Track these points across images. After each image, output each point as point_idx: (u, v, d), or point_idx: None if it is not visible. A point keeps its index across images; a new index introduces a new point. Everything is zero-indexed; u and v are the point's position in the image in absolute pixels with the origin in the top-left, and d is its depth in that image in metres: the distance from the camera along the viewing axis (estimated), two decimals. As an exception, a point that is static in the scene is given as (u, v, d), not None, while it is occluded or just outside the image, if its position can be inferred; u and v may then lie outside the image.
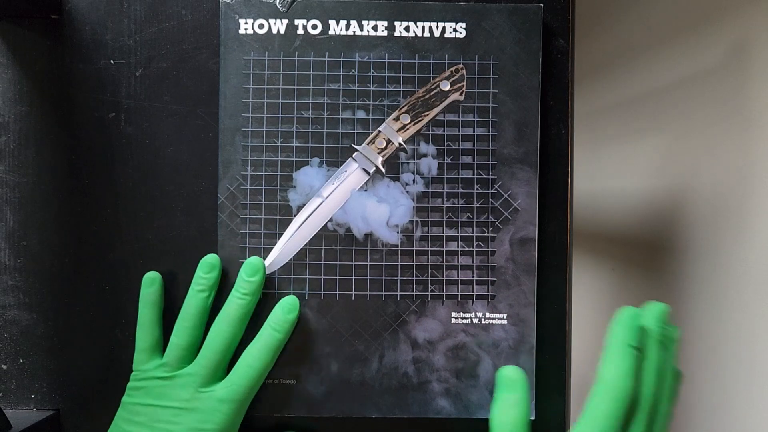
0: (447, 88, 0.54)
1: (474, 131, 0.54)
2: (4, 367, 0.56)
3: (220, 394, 0.50)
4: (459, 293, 0.55)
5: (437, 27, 0.54)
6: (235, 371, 0.51)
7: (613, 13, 1.02)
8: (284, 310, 0.53)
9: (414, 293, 0.55)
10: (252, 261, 0.53)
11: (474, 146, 0.55)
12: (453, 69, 0.54)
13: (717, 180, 0.72)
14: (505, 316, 0.55)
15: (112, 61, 0.56)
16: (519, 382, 0.50)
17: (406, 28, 0.54)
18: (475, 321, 0.55)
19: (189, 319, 0.52)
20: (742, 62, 0.67)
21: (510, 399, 0.49)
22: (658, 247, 0.85)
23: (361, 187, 0.54)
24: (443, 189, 0.55)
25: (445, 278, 0.55)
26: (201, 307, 0.52)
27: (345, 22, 0.54)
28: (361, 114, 0.54)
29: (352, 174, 0.54)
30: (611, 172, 1.01)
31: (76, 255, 0.56)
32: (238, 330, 0.52)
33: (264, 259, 0.54)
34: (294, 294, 0.54)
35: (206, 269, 0.53)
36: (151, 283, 0.54)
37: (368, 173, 0.54)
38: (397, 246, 0.54)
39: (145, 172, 0.56)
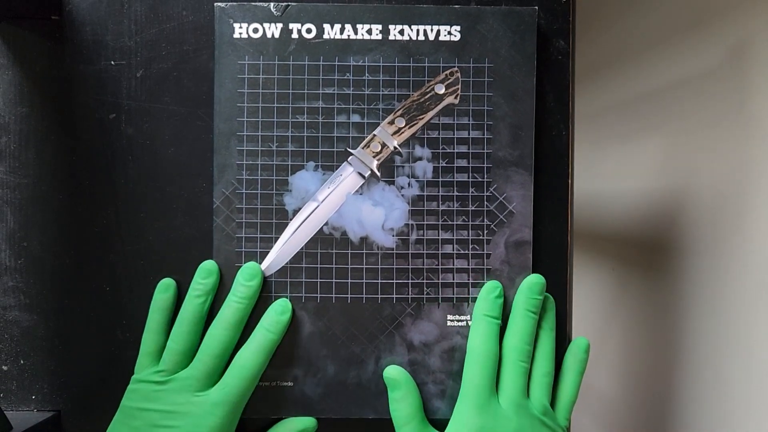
0: (442, 91, 0.54)
1: (469, 134, 0.54)
2: (4, 368, 0.57)
3: (214, 397, 0.50)
4: (454, 296, 0.55)
5: (432, 30, 0.54)
6: (228, 374, 0.52)
7: (612, 14, 1.01)
8: (277, 312, 0.54)
9: (410, 296, 0.55)
10: (249, 266, 0.54)
11: (469, 149, 0.55)
12: (448, 72, 0.54)
13: (717, 180, 0.71)
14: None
15: (112, 62, 0.56)
16: (401, 380, 0.54)
17: (401, 32, 0.54)
18: (471, 323, 0.55)
19: (186, 325, 0.52)
20: (742, 62, 0.66)
21: (397, 395, 0.54)
22: (658, 247, 0.85)
23: (357, 191, 0.54)
24: (438, 192, 0.55)
25: (440, 281, 0.55)
26: (198, 313, 0.53)
27: (339, 26, 0.54)
28: (356, 118, 0.54)
29: (347, 178, 0.54)
30: (611, 172, 1.01)
31: (76, 255, 0.57)
32: (234, 334, 0.52)
33: (260, 263, 0.54)
34: (291, 296, 0.54)
35: (204, 275, 0.53)
36: (165, 289, 0.55)
37: (363, 177, 0.54)
38: (392, 249, 0.55)
39: (145, 173, 0.56)
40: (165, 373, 0.51)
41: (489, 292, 0.54)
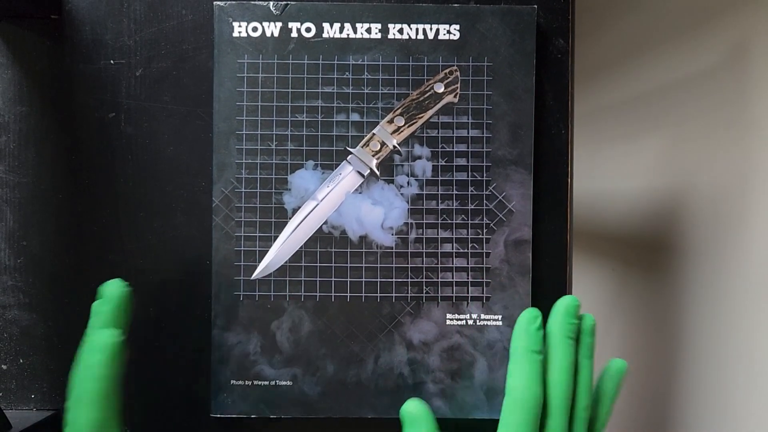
0: (441, 90, 0.54)
1: (468, 133, 0.54)
2: (4, 367, 0.57)
3: None
4: (454, 295, 0.55)
5: (431, 29, 0.54)
6: None
7: (612, 14, 1.01)
8: (91, 351, 0.46)
9: (409, 295, 0.55)
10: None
11: (468, 148, 0.55)
12: (447, 71, 0.54)
13: (717, 180, 0.71)
14: (500, 317, 0.55)
15: (112, 61, 0.56)
16: (421, 416, 0.50)
17: (400, 31, 0.54)
18: (470, 322, 0.55)
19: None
20: (742, 62, 0.66)
21: None
22: (658, 247, 0.85)
23: (356, 190, 0.54)
24: (438, 191, 0.55)
25: (439, 280, 0.55)
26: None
27: (339, 24, 0.54)
28: (355, 117, 0.54)
29: (346, 177, 0.54)
30: (611, 172, 1.01)
31: (76, 255, 0.57)
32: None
33: (259, 261, 0.54)
34: (290, 295, 0.54)
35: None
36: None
37: (363, 176, 0.54)
38: (391, 248, 0.55)
39: (145, 172, 0.56)
40: None
41: (530, 322, 0.49)
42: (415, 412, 0.50)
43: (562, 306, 0.50)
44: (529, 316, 0.50)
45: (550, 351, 0.49)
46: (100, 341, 0.46)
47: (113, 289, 0.48)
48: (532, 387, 0.46)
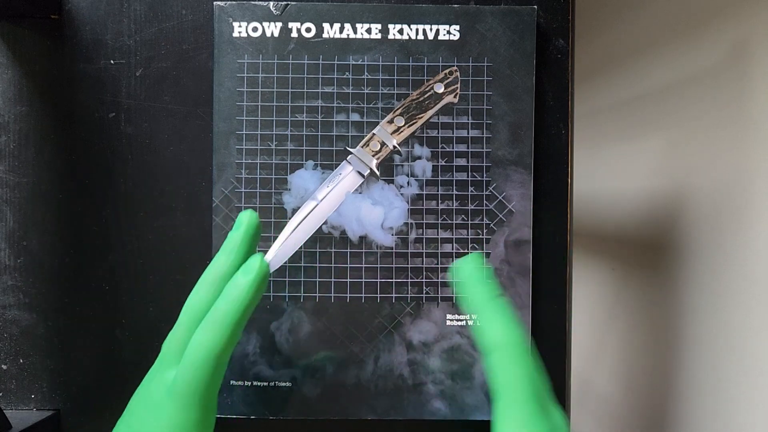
0: (441, 90, 0.54)
1: (468, 133, 0.54)
2: (4, 367, 0.57)
3: (168, 386, 0.42)
4: (454, 295, 0.55)
5: (431, 29, 0.54)
6: (184, 356, 0.42)
7: (612, 14, 1.01)
8: (244, 272, 0.44)
9: (409, 295, 0.55)
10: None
11: (468, 148, 0.55)
12: (447, 71, 0.54)
13: (717, 180, 0.71)
14: (500, 318, 0.55)
15: (112, 61, 0.56)
16: (473, 259, 0.46)
17: (400, 31, 0.54)
18: (470, 323, 0.55)
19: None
20: (742, 62, 0.66)
21: (466, 259, 0.46)
22: (658, 247, 0.85)
23: (356, 190, 0.54)
24: (438, 191, 0.55)
25: (439, 280, 0.55)
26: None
27: (339, 25, 0.54)
28: (355, 117, 0.54)
29: (346, 177, 0.54)
30: (611, 172, 1.01)
31: (75, 255, 0.57)
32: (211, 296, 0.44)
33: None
34: (290, 296, 0.54)
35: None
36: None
37: (363, 176, 0.54)
38: (391, 248, 0.55)
39: (145, 172, 0.56)
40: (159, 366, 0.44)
41: (480, 270, 0.46)
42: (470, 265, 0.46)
43: (472, 258, 0.46)
44: (472, 260, 0.46)
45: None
46: (252, 263, 0.44)
47: (252, 218, 0.45)
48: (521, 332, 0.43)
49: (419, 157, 0.54)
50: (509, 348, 0.42)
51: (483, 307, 0.44)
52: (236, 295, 0.42)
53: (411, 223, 0.55)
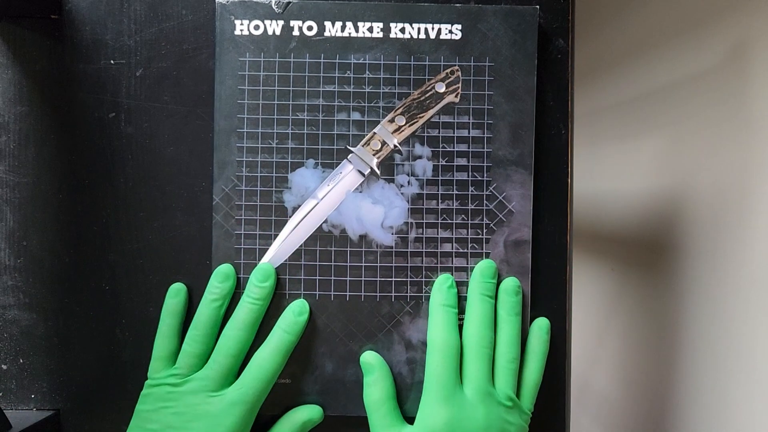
0: (442, 89, 0.54)
1: (469, 133, 0.55)
2: (4, 367, 0.57)
3: (231, 397, 0.50)
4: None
5: (433, 29, 0.54)
6: (246, 374, 0.51)
7: (612, 13, 1.01)
8: (294, 313, 0.54)
9: (408, 294, 0.55)
10: (263, 266, 0.54)
11: (469, 148, 0.55)
12: (448, 71, 0.54)
13: (717, 180, 0.71)
14: (500, 317, 0.55)
15: (112, 61, 0.56)
16: (375, 364, 0.54)
17: (402, 30, 0.54)
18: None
19: (201, 328, 0.52)
20: (742, 62, 0.66)
21: (370, 380, 0.54)
22: (658, 248, 0.85)
23: (356, 189, 0.54)
24: (438, 191, 0.55)
25: (440, 279, 0.55)
26: (213, 317, 0.53)
27: (340, 23, 0.54)
28: (356, 116, 0.54)
29: (347, 175, 0.54)
30: (611, 172, 1.01)
31: (76, 255, 0.57)
32: (248, 335, 0.53)
33: (259, 260, 0.54)
34: (289, 294, 0.54)
35: (220, 279, 0.53)
36: (176, 293, 0.55)
37: (363, 175, 0.54)
38: (391, 247, 0.55)
39: (145, 172, 0.56)
40: (180, 375, 0.51)
41: (442, 283, 0.54)
42: (371, 360, 0.54)
43: (478, 269, 0.55)
44: (442, 278, 0.55)
45: (468, 306, 0.54)
46: (301, 306, 0.55)
47: (270, 270, 0.54)
48: (447, 335, 0.52)
49: (420, 157, 0.54)
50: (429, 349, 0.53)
51: (431, 311, 0.54)
52: (293, 329, 0.53)
53: (411, 223, 0.55)
